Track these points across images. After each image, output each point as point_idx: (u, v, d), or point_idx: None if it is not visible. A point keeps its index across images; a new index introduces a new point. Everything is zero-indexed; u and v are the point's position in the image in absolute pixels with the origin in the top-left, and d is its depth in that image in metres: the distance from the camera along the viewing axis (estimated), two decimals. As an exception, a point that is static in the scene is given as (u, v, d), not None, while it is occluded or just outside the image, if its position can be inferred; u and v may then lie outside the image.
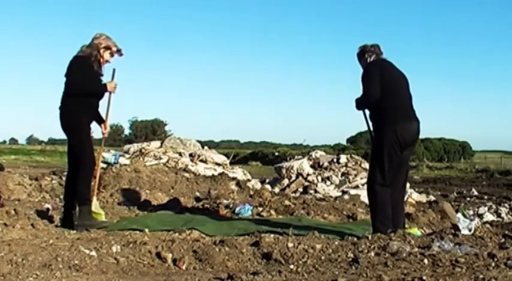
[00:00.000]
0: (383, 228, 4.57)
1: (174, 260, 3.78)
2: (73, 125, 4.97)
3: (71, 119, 4.95)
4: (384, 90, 4.68)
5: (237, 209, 6.49)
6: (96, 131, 5.28)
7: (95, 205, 5.19)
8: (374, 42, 5.04)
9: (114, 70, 5.20)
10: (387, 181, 4.70)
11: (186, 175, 8.53)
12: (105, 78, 5.14)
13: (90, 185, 5.04)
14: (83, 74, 4.92)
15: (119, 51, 5.14)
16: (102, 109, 5.27)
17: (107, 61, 5.09)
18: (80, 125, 4.97)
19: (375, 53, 4.93)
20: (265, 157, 36.87)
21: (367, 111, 4.97)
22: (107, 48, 5.04)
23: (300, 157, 10.98)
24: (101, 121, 5.25)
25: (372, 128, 4.97)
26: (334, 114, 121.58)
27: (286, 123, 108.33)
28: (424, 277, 3.15)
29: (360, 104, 4.91)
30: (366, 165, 10.20)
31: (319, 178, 9.54)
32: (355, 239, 4.47)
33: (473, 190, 13.15)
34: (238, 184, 8.13)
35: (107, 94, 5.16)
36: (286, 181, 9.62)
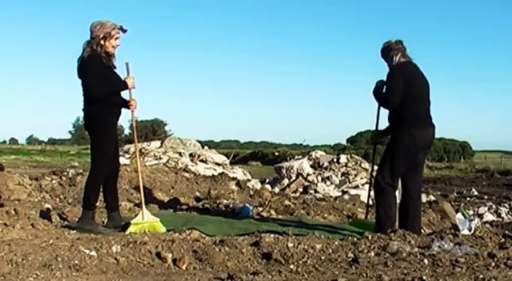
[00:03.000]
0: (386, 227, 4.64)
1: (174, 260, 3.77)
2: (98, 128, 4.78)
3: (95, 121, 4.76)
4: (406, 97, 4.74)
5: (237, 209, 6.49)
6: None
7: (147, 215, 4.99)
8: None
9: (127, 64, 4.87)
10: (395, 182, 4.82)
11: (186, 175, 8.54)
12: (119, 69, 4.87)
13: (98, 191, 4.91)
14: (97, 76, 4.64)
15: (120, 29, 4.74)
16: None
17: (114, 47, 4.75)
18: (105, 128, 4.77)
19: (400, 51, 4.89)
20: (265, 157, 36.88)
21: (381, 110, 5.06)
22: (107, 36, 4.67)
23: (300, 157, 10.99)
24: (125, 104, 4.92)
25: (378, 123, 5.12)
26: (334, 114, 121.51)
27: (286, 123, 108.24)
28: (424, 277, 3.15)
29: (379, 100, 4.97)
30: (366, 165, 10.22)
31: (319, 178, 9.55)
32: (355, 239, 4.48)
33: (473, 190, 13.16)
34: (238, 184, 8.14)
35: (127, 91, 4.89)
36: (286, 181, 9.62)
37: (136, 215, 5.13)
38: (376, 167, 5.10)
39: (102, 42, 4.68)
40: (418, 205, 4.97)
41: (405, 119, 4.78)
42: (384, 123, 5.21)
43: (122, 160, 9.29)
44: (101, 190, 4.97)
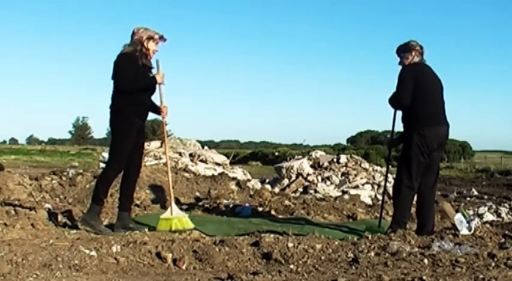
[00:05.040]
0: (398, 228, 4.68)
1: (174, 260, 3.78)
2: (119, 126, 4.86)
3: (119, 118, 4.86)
4: (416, 96, 4.82)
5: (237, 209, 6.49)
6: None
7: (177, 212, 5.08)
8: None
9: (157, 61, 5.05)
10: (413, 183, 4.86)
11: (186, 175, 8.52)
12: (154, 71, 5.03)
13: (108, 187, 4.99)
14: (131, 70, 4.80)
15: (161, 37, 5.00)
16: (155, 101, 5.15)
17: (154, 51, 4.97)
18: (127, 127, 4.84)
19: (419, 53, 4.99)
20: (265, 156, 36.90)
21: (398, 112, 5.11)
22: (150, 38, 4.91)
23: (300, 157, 10.98)
24: (156, 110, 5.11)
25: (394, 129, 5.21)
26: (334, 114, 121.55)
27: (286, 123, 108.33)
28: (424, 277, 3.15)
29: (392, 102, 5.04)
30: (366, 165, 10.21)
31: (319, 178, 9.54)
32: (355, 239, 4.48)
33: (473, 190, 13.16)
34: (238, 184, 8.13)
35: (157, 87, 5.03)
36: (286, 181, 9.62)
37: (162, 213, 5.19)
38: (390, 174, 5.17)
39: (145, 43, 4.90)
40: (429, 202, 5.02)
41: (415, 119, 4.86)
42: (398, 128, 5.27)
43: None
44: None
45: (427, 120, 4.83)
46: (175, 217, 5.03)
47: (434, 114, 4.90)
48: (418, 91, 4.81)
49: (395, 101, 5.00)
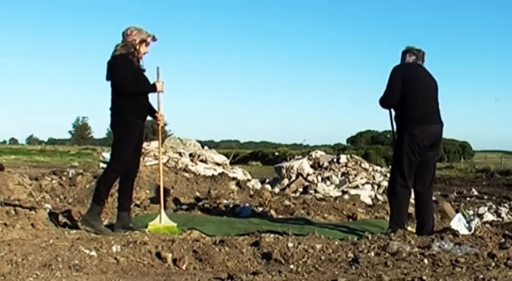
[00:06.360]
0: (396, 228, 4.67)
1: (174, 260, 3.78)
2: (120, 127, 4.89)
3: (119, 119, 4.87)
4: (408, 95, 4.81)
5: (237, 209, 6.49)
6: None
7: (165, 220, 5.02)
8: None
9: (158, 68, 5.04)
10: (407, 182, 4.85)
11: (186, 175, 8.53)
12: (147, 73, 5.04)
13: (110, 187, 4.99)
14: (129, 72, 4.81)
15: (153, 38, 5.01)
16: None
17: (145, 53, 4.98)
18: (128, 128, 4.86)
19: (416, 56, 5.00)
20: (265, 156, 36.92)
21: (393, 111, 5.08)
22: (142, 41, 4.93)
23: (300, 157, 10.98)
24: (152, 114, 5.11)
25: (395, 129, 5.14)
26: (334, 114, 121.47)
27: (286, 123, 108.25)
28: (424, 277, 3.15)
29: (382, 103, 5.01)
30: (366, 165, 10.22)
31: (319, 178, 9.55)
32: (355, 239, 4.48)
33: (473, 190, 13.16)
34: (238, 184, 8.14)
35: (154, 94, 5.05)
36: (286, 181, 9.62)
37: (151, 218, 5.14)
38: None
39: (138, 46, 4.92)
40: (427, 202, 5.00)
41: (405, 118, 4.85)
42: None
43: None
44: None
45: (418, 119, 4.81)
46: (163, 226, 4.95)
47: (426, 113, 4.87)
48: (409, 90, 4.80)
49: (381, 100, 4.98)
